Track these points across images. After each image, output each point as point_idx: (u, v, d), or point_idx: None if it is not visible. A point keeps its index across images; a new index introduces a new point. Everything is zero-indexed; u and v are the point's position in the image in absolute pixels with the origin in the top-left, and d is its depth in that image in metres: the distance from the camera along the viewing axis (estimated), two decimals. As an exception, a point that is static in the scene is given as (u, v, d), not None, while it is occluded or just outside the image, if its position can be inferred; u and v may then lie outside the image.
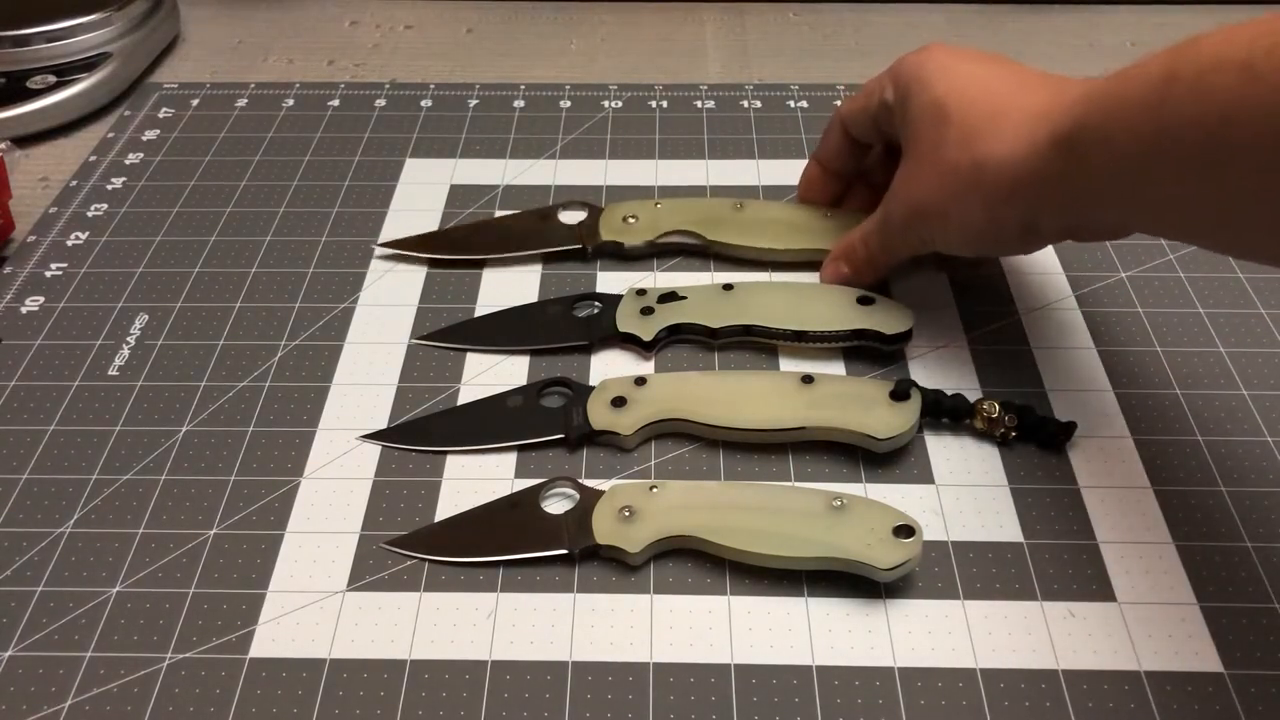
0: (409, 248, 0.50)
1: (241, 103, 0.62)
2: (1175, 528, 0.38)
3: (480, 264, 0.50)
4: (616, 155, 0.57)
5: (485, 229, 0.52)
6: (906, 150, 0.42)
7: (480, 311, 0.47)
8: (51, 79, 0.60)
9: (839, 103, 0.61)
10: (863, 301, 0.45)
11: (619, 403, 0.41)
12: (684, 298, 0.46)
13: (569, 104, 0.61)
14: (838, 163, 0.49)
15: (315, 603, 0.36)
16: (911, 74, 0.42)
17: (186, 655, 0.35)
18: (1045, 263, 0.49)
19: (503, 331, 0.46)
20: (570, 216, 0.51)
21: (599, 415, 0.41)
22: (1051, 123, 0.36)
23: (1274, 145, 0.28)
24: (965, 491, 0.39)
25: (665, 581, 0.37)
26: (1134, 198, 0.35)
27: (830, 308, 0.45)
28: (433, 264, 0.50)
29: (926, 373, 0.44)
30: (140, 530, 0.39)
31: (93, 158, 0.58)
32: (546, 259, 0.50)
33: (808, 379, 0.41)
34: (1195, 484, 0.40)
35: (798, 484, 0.40)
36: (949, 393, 0.41)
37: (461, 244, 0.51)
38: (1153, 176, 0.33)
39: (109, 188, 0.55)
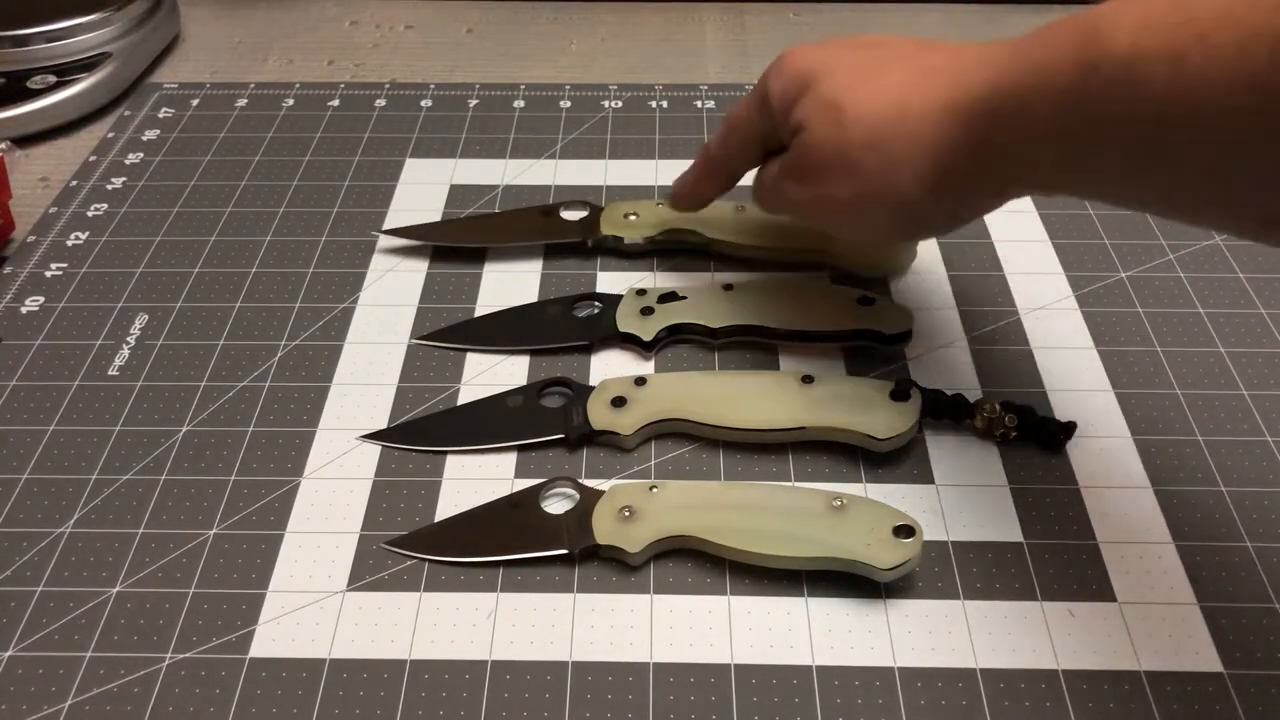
0: (412, 235, 0.51)
1: (241, 103, 0.62)
2: (1175, 528, 0.38)
3: (480, 261, 0.50)
4: (616, 155, 0.57)
5: (486, 220, 0.52)
6: (803, 147, 0.38)
7: (480, 311, 0.47)
8: (51, 79, 0.60)
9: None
10: (863, 301, 0.45)
11: (619, 403, 0.41)
12: (684, 298, 0.46)
13: (569, 104, 0.61)
14: (714, 194, 0.46)
15: (315, 603, 0.36)
16: (786, 86, 0.39)
17: (186, 655, 0.35)
18: (1045, 263, 0.49)
19: (503, 331, 0.46)
20: (572, 214, 0.51)
21: (599, 415, 0.41)
22: (962, 118, 0.34)
23: (1218, 135, 0.27)
24: (965, 491, 0.39)
25: (665, 581, 0.37)
26: (1065, 180, 0.33)
27: (830, 308, 0.45)
28: (433, 263, 0.50)
29: (926, 373, 0.44)
30: (140, 530, 0.39)
31: (93, 158, 0.58)
32: (547, 256, 0.50)
33: (808, 379, 0.41)
34: (1195, 484, 0.40)
35: (798, 484, 0.40)
36: (949, 393, 0.41)
37: (464, 233, 0.51)
38: (1082, 164, 0.32)
39: (109, 188, 0.55)
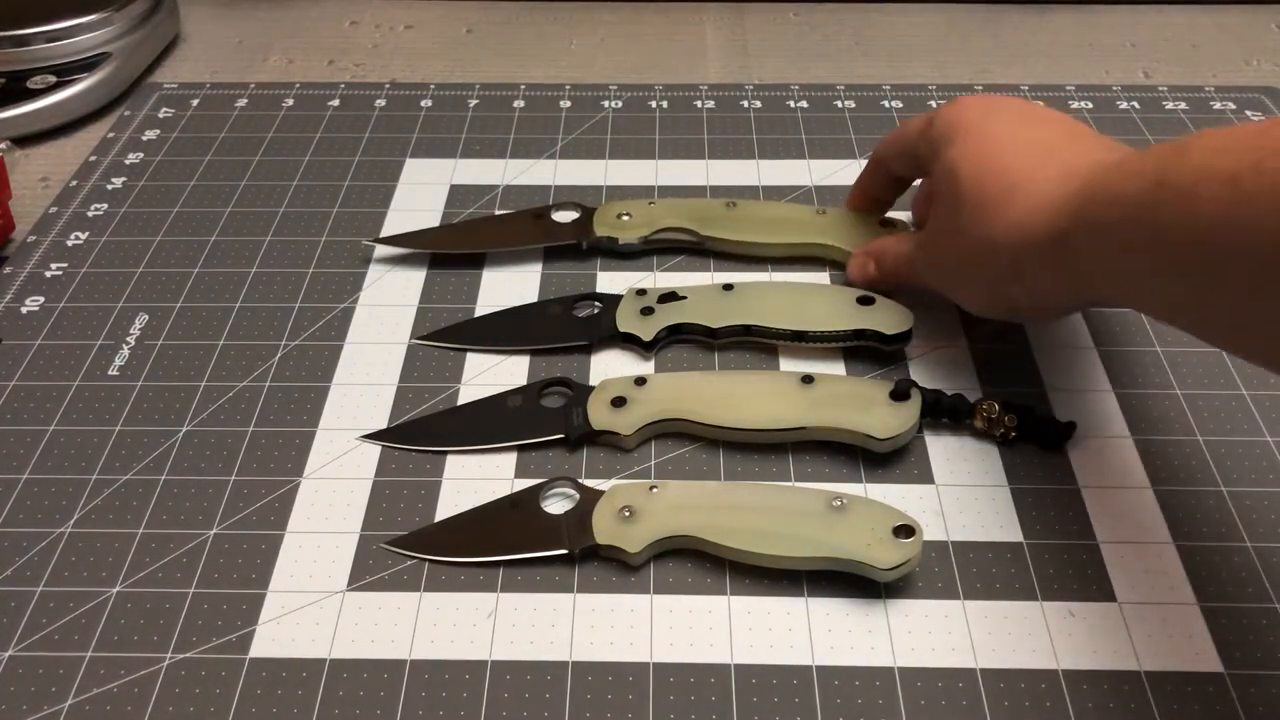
0: (403, 243, 0.51)
1: (241, 103, 0.62)
2: (1175, 528, 0.38)
3: (480, 262, 0.50)
4: (616, 155, 0.57)
5: (479, 226, 0.52)
6: (935, 205, 0.42)
7: (480, 311, 0.47)
8: (51, 79, 0.60)
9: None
10: (863, 301, 0.45)
11: (619, 403, 0.41)
12: (684, 298, 0.46)
13: (569, 104, 0.61)
14: (880, 193, 0.49)
15: (315, 603, 0.36)
16: (942, 130, 0.42)
17: (186, 655, 0.35)
18: (1045, 263, 0.49)
19: (503, 331, 0.46)
20: (564, 216, 0.51)
21: (599, 415, 0.41)
22: (1052, 211, 0.36)
23: (1261, 260, 0.28)
24: (965, 491, 0.39)
25: (665, 581, 0.37)
26: (1131, 293, 0.35)
27: (830, 308, 0.45)
28: (432, 264, 0.50)
29: (926, 373, 0.44)
30: (140, 530, 0.39)
31: (93, 158, 0.58)
32: (547, 257, 0.50)
33: (808, 379, 0.41)
34: (1195, 484, 0.40)
35: (798, 484, 0.40)
36: (949, 393, 0.41)
37: (455, 239, 0.51)
38: (1147, 276, 0.33)
39: (109, 188, 0.55)
